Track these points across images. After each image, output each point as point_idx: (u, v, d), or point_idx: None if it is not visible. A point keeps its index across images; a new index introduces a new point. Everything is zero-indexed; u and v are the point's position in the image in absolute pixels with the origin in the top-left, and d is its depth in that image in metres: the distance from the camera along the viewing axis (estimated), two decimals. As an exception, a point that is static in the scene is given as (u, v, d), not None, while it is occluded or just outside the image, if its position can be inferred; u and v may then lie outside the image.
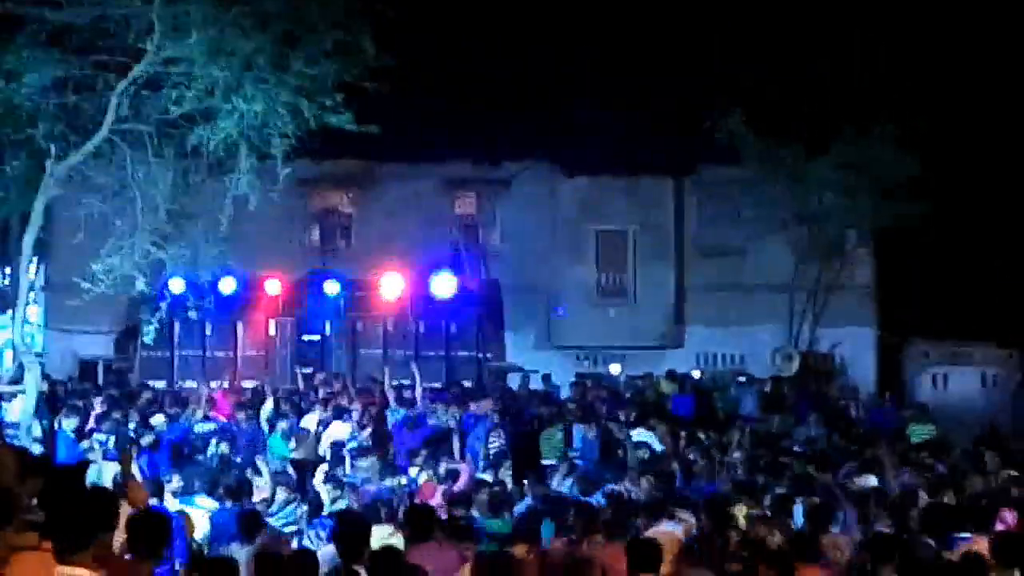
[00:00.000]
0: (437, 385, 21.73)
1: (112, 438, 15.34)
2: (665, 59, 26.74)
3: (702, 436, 17.76)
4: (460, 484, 13.33)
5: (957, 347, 28.44)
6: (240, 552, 9.80)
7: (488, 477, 14.39)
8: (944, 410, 24.04)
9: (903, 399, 25.19)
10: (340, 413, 17.28)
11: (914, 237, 25.92)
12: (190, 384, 22.33)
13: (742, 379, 23.53)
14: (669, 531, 10.11)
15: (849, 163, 25.87)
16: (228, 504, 11.67)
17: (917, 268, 27.35)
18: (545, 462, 16.79)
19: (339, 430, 16.78)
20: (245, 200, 16.52)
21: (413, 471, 14.12)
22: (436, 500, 12.56)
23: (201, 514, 11.78)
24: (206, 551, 11.10)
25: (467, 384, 22.76)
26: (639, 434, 17.16)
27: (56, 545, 5.82)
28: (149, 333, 17.67)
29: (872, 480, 14.22)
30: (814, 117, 25.26)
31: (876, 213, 26.09)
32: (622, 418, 18.56)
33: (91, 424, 16.47)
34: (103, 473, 13.21)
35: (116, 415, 16.72)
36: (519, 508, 12.19)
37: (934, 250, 26.86)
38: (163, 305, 17.34)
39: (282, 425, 16.69)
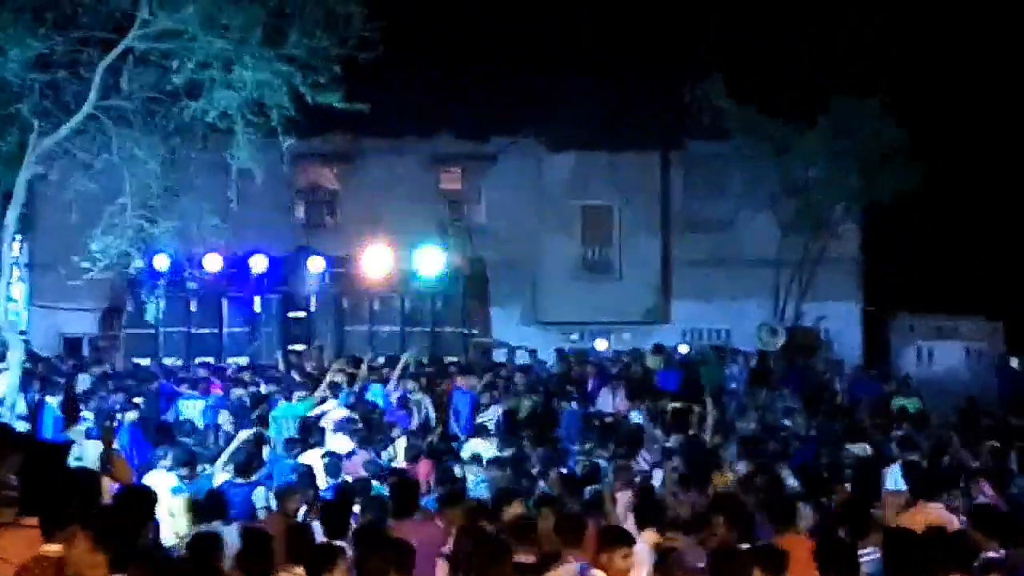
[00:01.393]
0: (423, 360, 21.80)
1: (93, 416, 15.33)
2: (651, 33, 26.68)
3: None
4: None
5: (942, 321, 28.56)
6: (227, 528, 9.83)
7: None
8: (929, 383, 24.20)
9: (889, 372, 25.31)
10: (336, 391, 17.19)
11: (901, 211, 25.97)
12: (171, 361, 22.35)
13: (723, 352, 23.60)
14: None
15: (835, 135, 25.85)
16: (239, 480, 11.62)
17: (903, 242, 27.43)
18: None
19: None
20: (244, 178, 16.53)
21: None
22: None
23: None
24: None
25: (453, 359, 22.79)
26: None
27: (42, 523, 5.82)
28: (149, 311, 17.68)
29: (866, 448, 14.44)
30: (799, 88, 25.21)
31: (863, 186, 26.11)
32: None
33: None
34: (86, 451, 13.19)
35: (101, 392, 16.71)
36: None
37: (920, 224, 26.94)
38: (160, 282, 17.33)
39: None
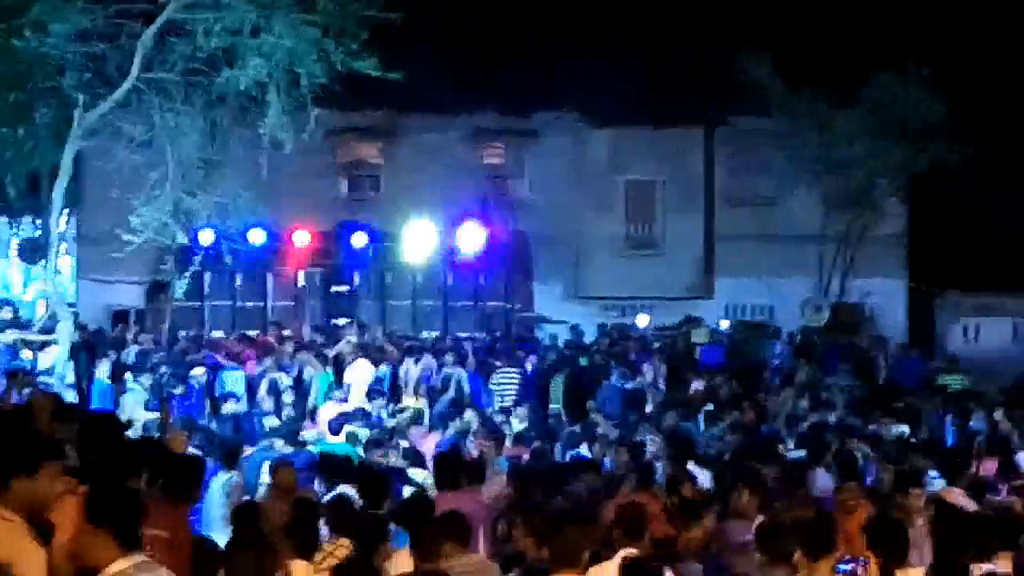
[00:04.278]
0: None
1: (145, 386, 15.49)
2: (693, 8, 26.46)
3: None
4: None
5: (989, 298, 28.21)
6: (221, 478, 10.37)
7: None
8: (976, 361, 23.90)
9: (934, 350, 25.04)
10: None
11: (946, 186, 25.63)
12: (218, 334, 22.54)
13: (766, 329, 23.50)
14: None
15: (878, 109, 25.56)
16: (290, 450, 11.78)
17: (949, 218, 27.06)
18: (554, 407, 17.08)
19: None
20: (275, 149, 16.56)
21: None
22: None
23: None
24: None
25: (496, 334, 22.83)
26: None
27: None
28: (181, 287, 17.83)
29: (904, 428, 14.34)
30: (841, 63, 24.91)
31: (906, 160, 25.83)
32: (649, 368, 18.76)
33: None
34: (134, 420, 13.37)
35: (151, 365, 16.89)
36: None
37: (966, 199, 26.55)
38: (197, 258, 17.45)
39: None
